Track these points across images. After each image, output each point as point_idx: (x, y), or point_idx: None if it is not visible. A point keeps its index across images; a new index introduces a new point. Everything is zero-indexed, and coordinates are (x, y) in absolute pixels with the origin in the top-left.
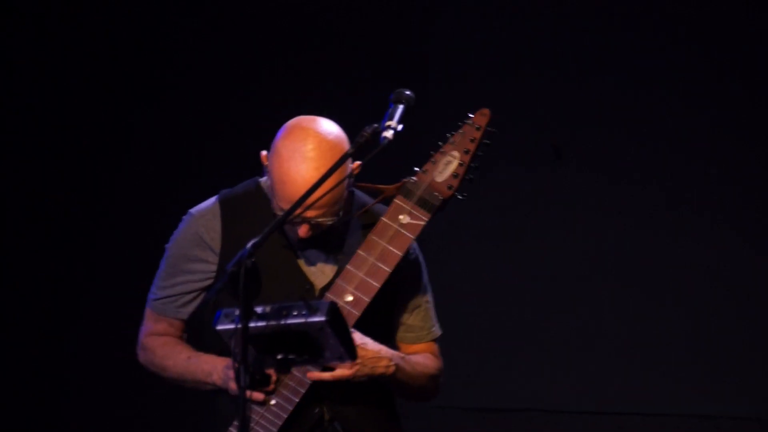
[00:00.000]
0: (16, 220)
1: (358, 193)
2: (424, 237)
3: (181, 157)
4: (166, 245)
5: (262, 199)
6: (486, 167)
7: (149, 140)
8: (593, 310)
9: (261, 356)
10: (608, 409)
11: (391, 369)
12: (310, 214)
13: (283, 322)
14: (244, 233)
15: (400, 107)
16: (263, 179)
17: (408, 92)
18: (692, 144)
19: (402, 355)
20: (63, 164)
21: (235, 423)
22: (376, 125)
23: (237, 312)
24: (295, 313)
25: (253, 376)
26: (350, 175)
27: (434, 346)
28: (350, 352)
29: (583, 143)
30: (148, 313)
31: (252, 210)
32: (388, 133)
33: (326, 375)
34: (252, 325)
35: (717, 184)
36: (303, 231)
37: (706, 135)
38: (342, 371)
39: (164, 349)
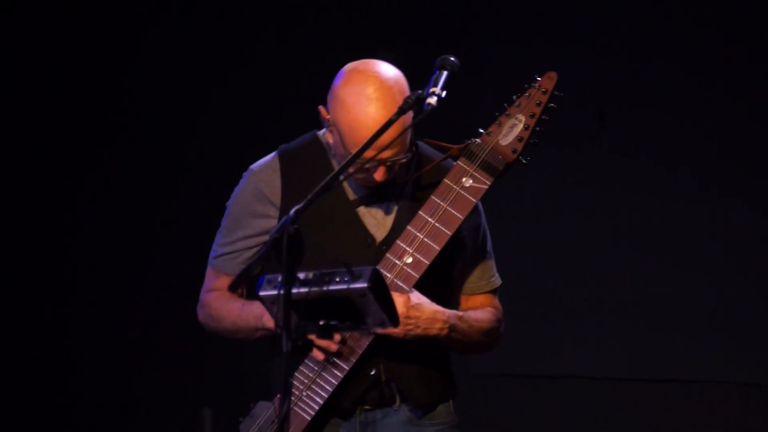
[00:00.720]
0: (15, 219)
1: (424, 147)
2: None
3: (180, 155)
4: (227, 203)
5: (320, 151)
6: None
7: (148, 138)
8: (630, 280)
9: (303, 322)
10: (642, 376)
11: (445, 331)
12: (385, 155)
13: (325, 288)
14: (303, 186)
15: (445, 73)
16: (321, 132)
17: (453, 58)
18: (723, 123)
19: (459, 314)
20: (63, 162)
21: (294, 377)
22: (420, 92)
23: (280, 278)
24: (337, 280)
25: (295, 342)
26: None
27: (494, 297)
28: (392, 318)
29: (622, 119)
30: (209, 271)
31: (311, 163)
32: (432, 99)
33: (380, 330)
34: (294, 291)
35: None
36: (380, 174)
37: (738, 116)
38: (394, 330)
39: (219, 301)
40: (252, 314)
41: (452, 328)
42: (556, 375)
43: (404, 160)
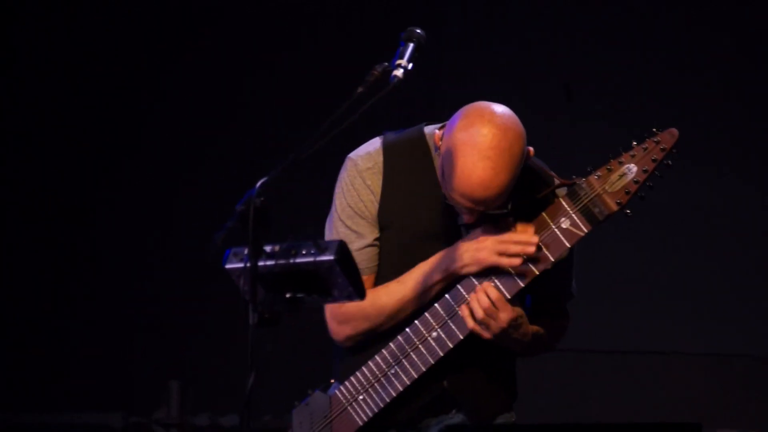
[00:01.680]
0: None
1: (539, 167)
2: None
3: (181, 154)
4: (333, 195)
5: (425, 148)
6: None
7: (149, 137)
8: (608, 257)
9: (270, 295)
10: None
11: (517, 340)
12: (472, 205)
13: (292, 261)
14: (403, 181)
15: (411, 45)
16: (428, 129)
17: (419, 30)
18: (708, 101)
19: (533, 331)
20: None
21: (348, 381)
22: (386, 64)
23: (246, 251)
24: (304, 252)
25: (261, 314)
26: (523, 162)
27: (564, 310)
28: (359, 290)
29: (597, 94)
30: None
31: (414, 158)
32: (399, 72)
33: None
34: (261, 263)
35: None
36: (467, 217)
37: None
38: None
39: (368, 297)
40: (422, 272)
41: (525, 336)
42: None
43: (496, 210)
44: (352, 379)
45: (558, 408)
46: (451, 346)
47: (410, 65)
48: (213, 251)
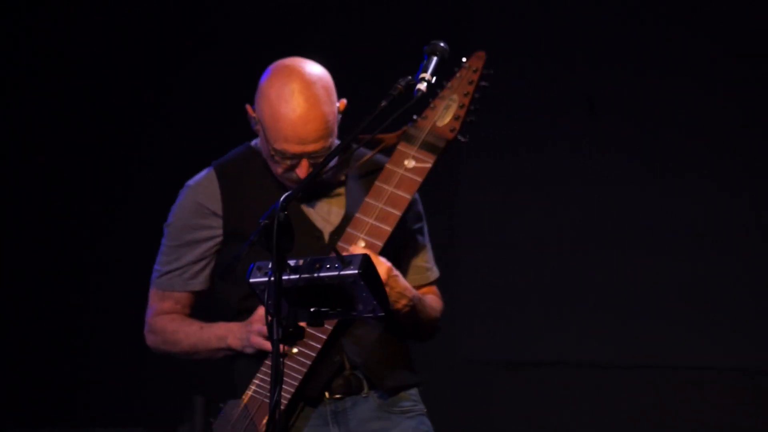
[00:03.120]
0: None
1: (357, 146)
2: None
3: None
4: (166, 223)
5: (256, 157)
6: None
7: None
8: (616, 268)
9: (294, 309)
10: (628, 362)
11: (407, 309)
12: (307, 147)
13: (316, 275)
14: (244, 194)
15: (435, 59)
16: (254, 142)
17: (442, 44)
18: (700, 115)
19: (420, 296)
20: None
21: (255, 379)
22: (410, 77)
23: (270, 265)
24: (328, 266)
25: (286, 329)
26: (337, 109)
27: (435, 288)
28: (383, 304)
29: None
30: (153, 293)
31: (248, 170)
32: (422, 86)
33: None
34: (285, 278)
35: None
36: (303, 169)
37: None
38: None
39: (173, 324)
40: (214, 335)
41: (413, 308)
42: (540, 361)
43: (322, 153)
44: (259, 374)
45: (577, 425)
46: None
47: (433, 79)
48: (236, 266)
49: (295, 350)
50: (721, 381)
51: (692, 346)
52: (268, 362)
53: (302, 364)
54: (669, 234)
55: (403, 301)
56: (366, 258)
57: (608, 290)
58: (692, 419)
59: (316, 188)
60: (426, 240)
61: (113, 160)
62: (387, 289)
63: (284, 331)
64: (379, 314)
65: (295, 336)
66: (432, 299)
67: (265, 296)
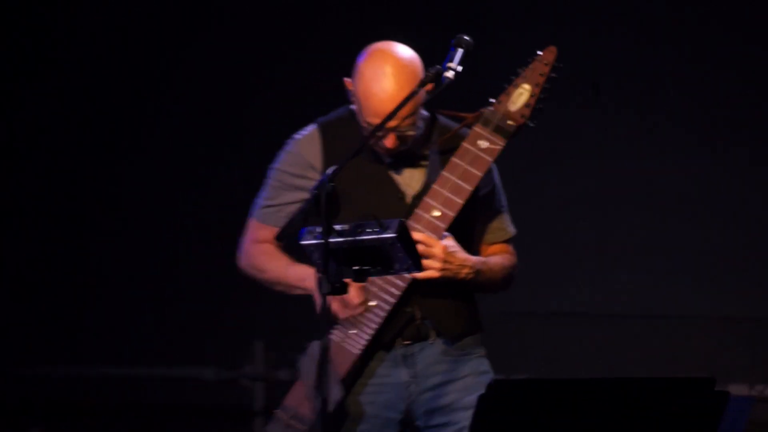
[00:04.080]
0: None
1: (441, 119)
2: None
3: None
4: (271, 166)
5: (354, 121)
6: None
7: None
8: (624, 227)
9: (339, 267)
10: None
11: (471, 275)
12: (393, 123)
13: (358, 238)
14: (341, 151)
15: (460, 51)
16: (353, 106)
17: (467, 38)
18: (698, 82)
19: (483, 260)
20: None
21: (337, 324)
22: (439, 66)
23: (319, 229)
24: (368, 230)
25: (333, 284)
26: (426, 92)
27: (509, 245)
28: (417, 263)
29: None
30: (253, 222)
31: (347, 132)
32: (449, 74)
33: (419, 275)
34: (332, 240)
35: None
36: (390, 141)
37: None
38: (431, 272)
39: (265, 255)
40: (296, 274)
41: (477, 273)
42: (559, 312)
43: (412, 132)
44: (343, 322)
45: (566, 371)
46: (409, 278)
47: (459, 68)
48: (291, 229)
49: (373, 303)
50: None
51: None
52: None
53: (378, 315)
54: (663, 199)
55: (465, 270)
56: (401, 222)
57: (618, 248)
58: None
59: (404, 157)
60: (501, 204)
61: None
62: (447, 264)
63: (332, 286)
64: (414, 271)
65: (341, 290)
66: (501, 258)
67: (315, 256)
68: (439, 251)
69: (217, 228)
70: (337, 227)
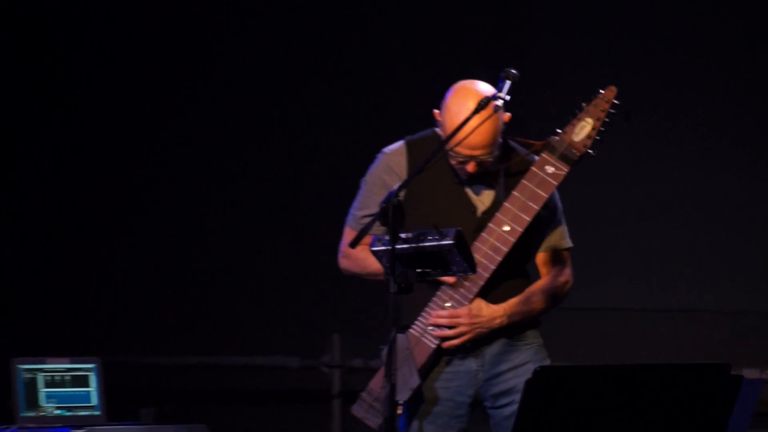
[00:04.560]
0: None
1: (512, 143)
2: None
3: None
4: (363, 179)
5: (436, 141)
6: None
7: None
8: (646, 229)
9: (405, 270)
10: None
11: (505, 321)
12: (476, 153)
13: (420, 244)
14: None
15: (508, 82)
16: (437, 129)
17: (513, 71)
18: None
19: (516, 301)
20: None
21: (418, 320)
22: (490, 97)
23: (386, 237)
24: (429, 238)
25: (399, 285)
26: (504, 123)
27: (567, 255)
28: (471, 266)
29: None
30: (348, 230)
31: (429, 150)
32: (499, 102)
33: (450, 333)
34: (398, 247)
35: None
36: (471, 167)
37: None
38: (465, 337)
39: (363, 254)
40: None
41: (510, 317)
42: (588, 307)
43: (490, 159)
44: (420, 319)
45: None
46: (481, 284)
47: (507, 97)
48: (360, 238)
49: (448, 304)
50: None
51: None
52: (429, 306)
53: None
54: (682, 205)
55: (497, 321)
56: (459, 231)
57: (641, 247)
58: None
59: (477, 176)
60: (560, 221)
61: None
62: (475, 326)
63: (398, 286)
64: (469, 273)
65: (407, 290)
66: (544, 281)
67: (383, 260)
68: (465, 318)
69: (301, 236)
70: (402, 235)
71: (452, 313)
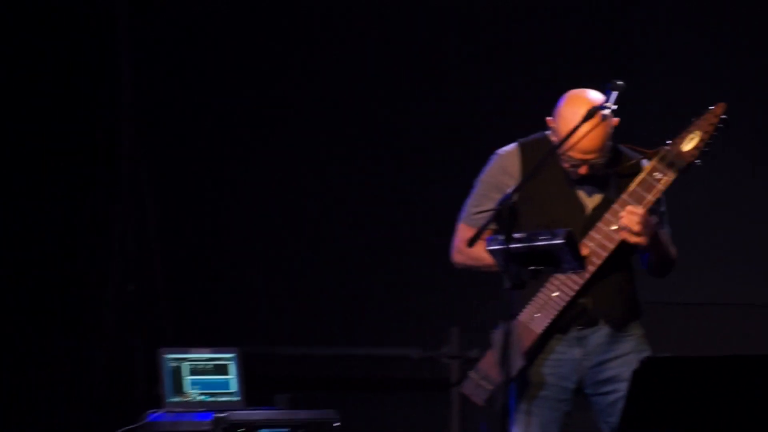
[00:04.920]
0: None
1: (622, 148)
2: None
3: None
4: (476, 179)
5: (548, 145)
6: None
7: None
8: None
9: (518, 267)
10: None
11: (648, 239)
12: (588, 156)
13: (533, 244)
14: (533, 164)
15: (615, 93)
16: (548, 132)
17: (620, 82)
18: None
19: (661, 234)
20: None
21: (525, 308)
22: (599, 106)
23: (501, 237)
24: (541, 238)
25: (513, 281)
26: (612, 128)
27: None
28: (581, 264)
29: None
30: (461, 226)
31: (541, 152)
32: (606, 111)
33: (623, 234)
34: (512, 246)
35: None
36: (583, 169)
37: None
38: (637, 238)
39: (477, 248)
40: None
41: (655, 236)
42: (683, 302)
43: (600, 162)
44: (528, 306)
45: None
46: (588, 277)
47: (615, 106)
48: (477, 237)
49: (555, 294)
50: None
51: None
52: (537, 295)
53: (559, 304)
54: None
55: (647, 229)
56: (569, 231)
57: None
58: None
59: (589, 178)
60: (665, 224)
61: None
62: (643, 221)
63: (512, 283)
64: (578, 271)
65: (520, 286)
66: (668, 241)
67: (499, 259)
68: (640, 212)
69: (426, 237)
70: (516, 235)
71: (631, 215)
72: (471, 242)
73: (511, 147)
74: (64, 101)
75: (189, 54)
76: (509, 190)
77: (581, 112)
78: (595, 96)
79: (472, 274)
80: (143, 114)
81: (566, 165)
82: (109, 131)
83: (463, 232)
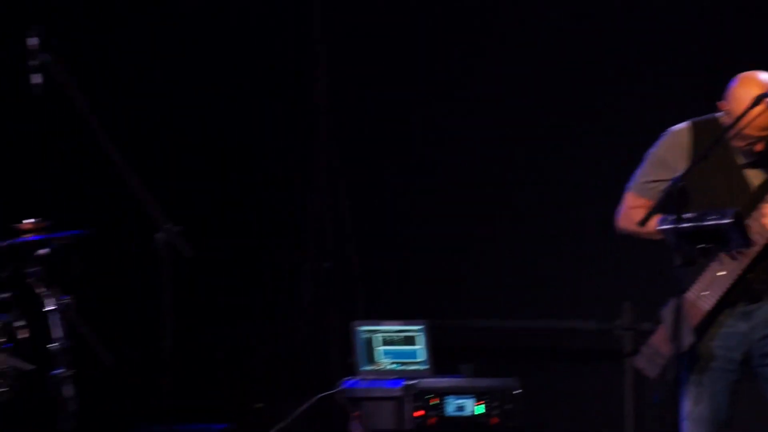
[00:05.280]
0: None
1: None
2: None
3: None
4: (648, 151)
5: (719, 127)
6: None
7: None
8: None
9: (688, 245)
10: None
11: None
12: (764, 133)
13: (702, 223)
14: (704, 147)
15: None
16: (718, 114)
17: None
18: None
19: None
20: None
21: (694, 286)
22: (761, 94)
23: (672, 217)
24: (710, 218)
25: (683, 259)
26: None
27: None
28: (747, 242)
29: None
30: (630, 194)
31: (712, 133)
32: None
33: None
34: (682, 225)
35: None
36: (760, 146)
37: None
38: None
39: (641, 216)
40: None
41: None
42: None
43: None
44: (696, 285)
45: None
46: (753, 256)
47: None
48: (649, 217)
49: (723, 272)
50: None
51: None
52: (704, 274)
53: (726, 282)
54: None
55: None
56: (737, 212)
57: None
58: None
59: (757, 159)
60: None
61: None
62: None
63: (682, 260)
64: (745, 249)
65: (690, 263)
66: None
67: (670, 237)
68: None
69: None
70: (686, 215)
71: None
72: (642, 222)
73: (684, 125)
74: (269, 100)
75: (379, 50)
76: (680, 172)
77: (755, 92)
78: (766, 77)
79: (645, 253)
80: (337, 108)
81: (741, 144)
82: (307, 126)
83: (630, 199)
